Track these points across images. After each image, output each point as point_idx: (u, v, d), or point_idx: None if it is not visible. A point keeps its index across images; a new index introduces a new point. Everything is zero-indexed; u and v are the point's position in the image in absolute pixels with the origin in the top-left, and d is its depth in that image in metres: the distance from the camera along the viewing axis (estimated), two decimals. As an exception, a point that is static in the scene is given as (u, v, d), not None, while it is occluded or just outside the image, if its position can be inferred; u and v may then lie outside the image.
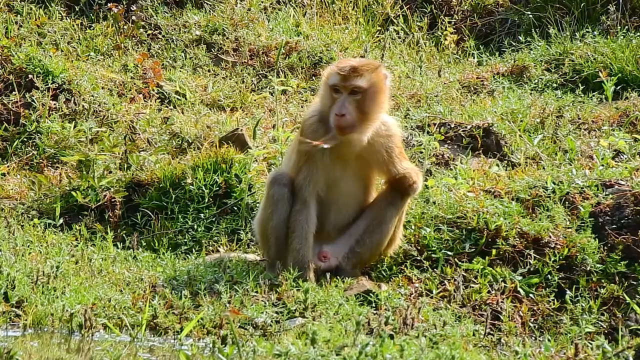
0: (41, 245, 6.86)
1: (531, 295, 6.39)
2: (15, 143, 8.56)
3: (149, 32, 10.45)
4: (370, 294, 6.22)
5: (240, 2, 10.82)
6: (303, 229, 6.37)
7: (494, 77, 9.78)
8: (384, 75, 6.37)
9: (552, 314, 6.31)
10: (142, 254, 6.95)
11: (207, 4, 10.89)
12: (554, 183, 7.01)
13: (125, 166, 7.88)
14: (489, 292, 6.35)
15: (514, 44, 10.70)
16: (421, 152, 7.87)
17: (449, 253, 6.58)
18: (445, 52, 10.83)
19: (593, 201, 6.88)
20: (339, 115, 6.22)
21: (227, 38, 10.36)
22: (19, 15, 10.28)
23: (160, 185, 7.57)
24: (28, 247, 6.78)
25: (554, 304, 6.35)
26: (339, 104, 6.25)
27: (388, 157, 6.42)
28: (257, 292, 6.18)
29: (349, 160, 6.41)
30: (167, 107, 9.23)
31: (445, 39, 10.91)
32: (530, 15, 11.05)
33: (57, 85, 8.97)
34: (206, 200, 7.44)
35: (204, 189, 7.45)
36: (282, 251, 6.42)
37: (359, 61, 6.39)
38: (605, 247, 6.64)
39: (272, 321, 5.92)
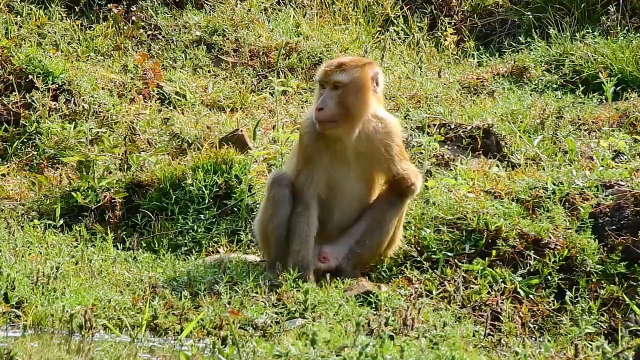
0: (41, 246, 6.85)
1: (531, 296, 6.39)
2: (15, 144, 8.56)
3: (149, 32, 10.45)
4: (370, 295, 6.22)
5: (240, 2, 10.81)
6: (304, 231, 6.37)
7: (494, 77, 9.78)
8: (373, 73, 6.39)
9: (552, 314, 6.31)
10: (142, 254, 6.95)
11: (207, 4, 10.89)
12: (554, 184, 7.01)
13: (126, 167, 7.88)
14: (489, 293, 6.35)
15: (514, 44, 10.70)
16: (421, 153, 7.86)
17: (449, 254, 6.58)
18: (445, 52, 10.83)
19: (593, 202, 6.87)
20: (318, 109, 6.29)
21: (227, 39, 10.36)
22: (19, 16, 10.27)
23: (161, 186, 7.57)
24: (28, 248, 6.78)
25: (553, 304, 6.35)
26: (320, 98, 6.31)
27: (387, 154, 6.42)
28: (257, 293, 6.18)
29: (350, 161, 6.41)
30: (167, 107, 9.23)
31: (445, 40, 10.91)
32: (530, 16, 11.05)
33: (57, 85, 8.96)
34: (206, 201, 7.44)
35: (204, 189, 7.46)
36: (282, 252, 6.42)
37: (348, 58, 6.47)
38: (605, 248, 6.64)
39: (272, 322, 5.92)
